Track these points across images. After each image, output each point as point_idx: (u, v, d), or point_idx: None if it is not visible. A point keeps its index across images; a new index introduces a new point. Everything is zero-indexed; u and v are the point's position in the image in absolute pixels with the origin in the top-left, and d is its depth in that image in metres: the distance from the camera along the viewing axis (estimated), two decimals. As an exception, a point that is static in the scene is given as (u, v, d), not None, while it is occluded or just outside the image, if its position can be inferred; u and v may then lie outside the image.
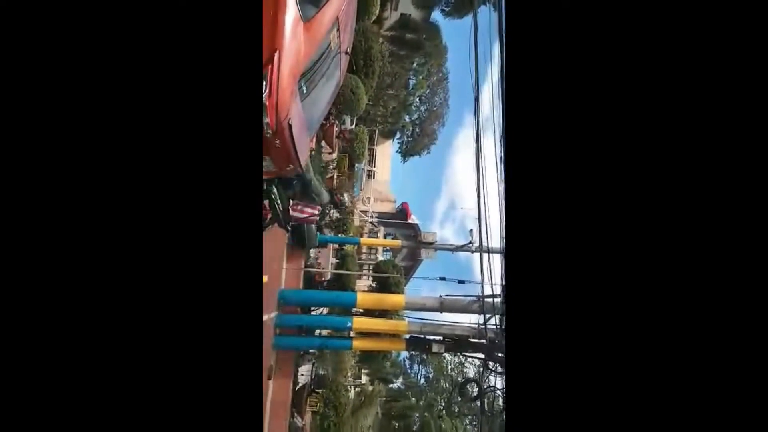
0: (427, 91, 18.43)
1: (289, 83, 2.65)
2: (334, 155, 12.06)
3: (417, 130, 19.91)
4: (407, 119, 19.08)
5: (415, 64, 17.05)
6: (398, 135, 20.37)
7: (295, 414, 9.75)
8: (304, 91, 2.98)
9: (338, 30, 3.23)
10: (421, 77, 17.57)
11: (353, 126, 11.77)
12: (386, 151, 20.41)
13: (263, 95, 2.47)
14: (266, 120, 2.58)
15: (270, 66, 2.47)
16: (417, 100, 18.70)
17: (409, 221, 16.70)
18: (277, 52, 2.49)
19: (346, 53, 3.85)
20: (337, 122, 10.64)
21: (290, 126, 2.77)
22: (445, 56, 17.70)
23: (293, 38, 2.62)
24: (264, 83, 2.47)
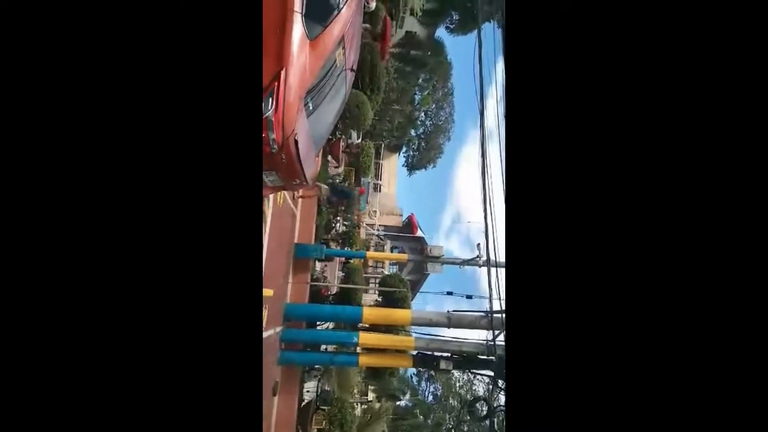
0: (433, 106, 18.64)
1: (295, 100, 2.68)
2: (341, 169, 12.14)
3: (423, 144, 20.05)
4: (413, 133, 19.26)
5: (420, 80, 17.29)
6: (404, 149, 20.52)
7: (301, 432, 9.59)
8: (310, 108, 3.02)
9: (344, 48, 3.28)
10: (426, 93, 17.80)
11: (360, 140, 11.87)
12: (392, 165, 20.52)
13: (270, 111, 2.51)
14: (273, 136, 2.61)
15: (276, 83, 2.51)
16: (422, 114, 18.90)
17: (416, 234, 16.66)
18: (284, 69, 2.53)
19: (352, 70, 3.90)
20: (343, 137, 10.74)
21: (296, 141, 2.80)
22: (450, 72, 17.96)
23: (299, 56, 2.66)
24: (270, 100, 2.51)
